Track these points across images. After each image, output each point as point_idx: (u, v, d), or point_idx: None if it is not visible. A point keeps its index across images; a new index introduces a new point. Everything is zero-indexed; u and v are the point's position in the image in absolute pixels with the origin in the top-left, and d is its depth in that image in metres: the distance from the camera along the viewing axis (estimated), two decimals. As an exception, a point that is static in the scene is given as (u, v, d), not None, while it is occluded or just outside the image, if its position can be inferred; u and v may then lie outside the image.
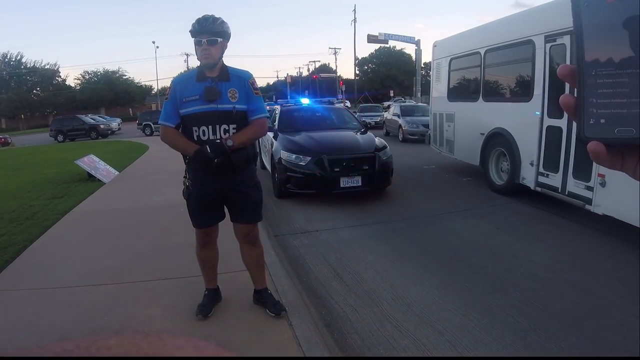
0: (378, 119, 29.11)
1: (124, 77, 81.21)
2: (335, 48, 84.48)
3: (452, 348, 3.72)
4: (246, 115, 3.75)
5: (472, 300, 4.52)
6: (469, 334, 3.90)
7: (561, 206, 7.76)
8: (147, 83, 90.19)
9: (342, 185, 8.58)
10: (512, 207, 8.37)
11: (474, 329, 3.99)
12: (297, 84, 79.79)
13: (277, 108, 12.43)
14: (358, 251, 6.06)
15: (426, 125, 16.42)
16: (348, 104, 43.97)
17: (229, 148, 3.63)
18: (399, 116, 21.79)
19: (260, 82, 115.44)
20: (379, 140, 9.73)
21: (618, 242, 6.10)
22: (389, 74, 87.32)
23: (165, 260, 5.28)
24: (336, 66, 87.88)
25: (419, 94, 36.81)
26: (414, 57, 41.26)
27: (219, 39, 3.69)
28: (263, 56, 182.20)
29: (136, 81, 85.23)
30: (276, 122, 11.10)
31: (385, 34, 37.41)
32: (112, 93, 74.21)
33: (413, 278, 5.08)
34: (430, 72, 12.73)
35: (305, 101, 13.29)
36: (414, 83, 38.19)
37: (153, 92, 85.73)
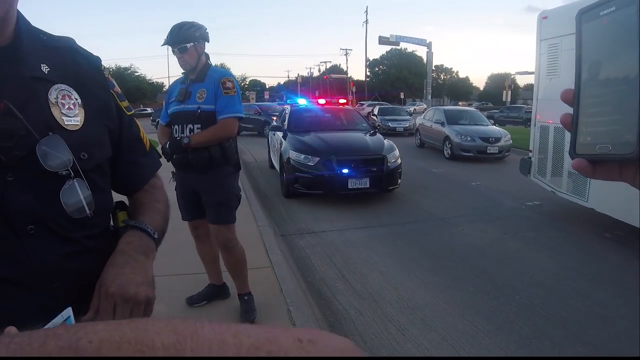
0: (407, 124, 25.24)
1: (135, 73, 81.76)
2: (346, 49, 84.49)
3: (455, 353, 3.71)
4: (214, 115, 3.72)
5: (477, 306, 4.51)
6: (472, 340, 3.89)
7: (571, 213, 7.73)
8: (159, 80, 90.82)
9: (350, 187, 8.57)
10: (521, 213, 8.33)
11: (478, 334, 3.98)
12: (308, 84, 79.94)
13: (287, 108, 12.46)
14: (364, 253, 6.05)
15: (485, 139, 14.78)
16: (423, 105, 41.46)
17: (185, 145, 3.65)
18: (442, 124, 16.49)
19: (271, 82, 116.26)
20: (387, 142, 9.74)
21: (627, 251, 6.06)
22: (400, 76, 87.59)
23: (172, 256, 5.30)
24: (347, 67, 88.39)
25: (429, 97, 36.70)
26: (424, 59, 41.15)
27: (189, 44, 3.70)
28: (274, 56, 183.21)
29: (147, 78, 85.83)
30: (285, 121, 11.13)
31: (396, 35, 37.31)
32: (124, 89, 71.14)
33: (418, 281, 5.07)
34: (536, 60, 8.36)
35: (320, 101, 13.29)
36: (425, 85, 38.09)
37: (164, 89, 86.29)
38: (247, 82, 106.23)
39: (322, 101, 13.16)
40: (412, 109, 35.16)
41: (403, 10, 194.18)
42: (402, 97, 69.75)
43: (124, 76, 78.09)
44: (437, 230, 7.15)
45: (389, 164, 8.93)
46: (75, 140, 1.10)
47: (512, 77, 51.20)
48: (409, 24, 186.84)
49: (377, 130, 10.89)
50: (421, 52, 61.08)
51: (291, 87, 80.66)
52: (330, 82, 72.89)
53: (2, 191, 1.01)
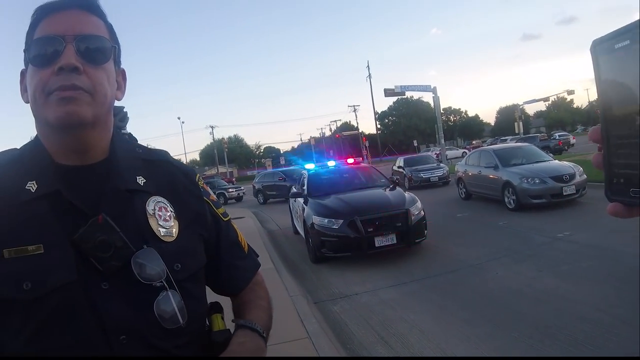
0: (442, 173, 22.66)
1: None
2: (354, 105, 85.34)
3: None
4: None
5: (522, 351, 4.40)
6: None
7: (603, 240, 7.59)
8: (176, 157, 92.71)
9: (377, 245, 8.51)
10: (553, 246, 8.22)
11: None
12: (322, 145, 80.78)
13: (304, 173, 12.59)
14: (400, 312, 5.97)
15: (558, 178, 11.90)
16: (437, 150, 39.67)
17: None
18: (496, 168, 13.65)
19: (285, 147, 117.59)
20: (409, 195, 9.74)
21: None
22: (410, 124, 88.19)
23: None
24: (357, 123, 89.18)
25: (442, 140, 36.80)
26: (432, 105, 41.47)
27: None
28: (285, 121, 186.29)
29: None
30: (305, 186, 11.22)
31: (401, 85, 37.83)
32: None
33: (459, 335, 4.97)
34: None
35: (331, 163, 13.33)
36: (436, 130, 38.25)
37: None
38: (262, 150, 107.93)
39: (331, 163, 13.23)
40: (433, 154, 34.32)
41: (404, 59, 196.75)
42: (415, 144, 69.94)
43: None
44: (471, 278, 7.05)
45: (413, 217, 8.87)
46: (169, 251, 1.13)
47: (521, 107, 51.13)
48: (411, 72, 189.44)
49: (396, 184, 10.85)
50: (428, 97, 61.67)
51: (304, 149, 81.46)
52: (343, 139, 73.54)
53: (96, 300, 1.04)
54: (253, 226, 14.83)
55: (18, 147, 1.21)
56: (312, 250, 9.26)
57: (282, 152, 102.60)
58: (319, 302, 6.81)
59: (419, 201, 9.51)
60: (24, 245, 1.02)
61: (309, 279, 8.24)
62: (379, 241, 8.53)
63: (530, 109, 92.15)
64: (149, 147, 1.34)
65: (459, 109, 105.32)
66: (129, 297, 1.07)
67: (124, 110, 3.68)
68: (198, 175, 1.37)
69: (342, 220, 8.80)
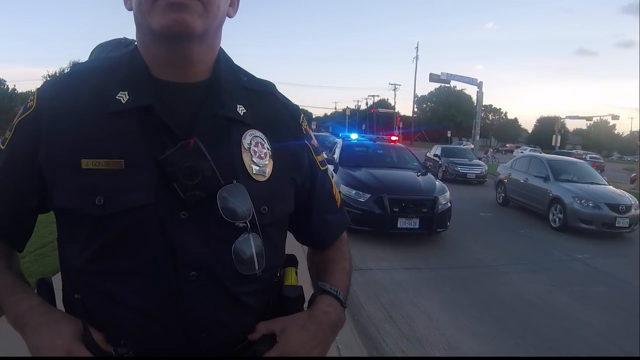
0: (480, 171, 21.04)
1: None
2: (395, 84, 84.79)
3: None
4: None
5: (525, 360, 4.50)
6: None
7: (620, 270, 7.58)
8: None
9: (399, 226, 8.60)
10: (570, 265, 8.26)
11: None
12: (355, 117, 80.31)
13: (339, 141, 12.63)
14: (411, 295, 6.10)
15: (614, 207, 10.75)
16: (471, 145, 37.61)
17: None
18: (546, 179, 12.39)
19: (318, 112, 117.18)
20: (439, 184, 9.77)
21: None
22: (447, 114, 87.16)
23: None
24: (395, 102, 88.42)
25: (477, 137, 36.31)
26: (474, 99, 40.89)
27: None
28: (323, 87, 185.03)
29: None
30: (336, 155, 11.28)
31: (447, 73, 37.23)
32: None
33: (466, 330, 5.08)
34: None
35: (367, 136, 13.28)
36: (474, 125, 37.67)
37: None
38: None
39: (394, 138, 13.19)
40: (483, 153, 33.07)
41: (454, 48, 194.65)
42: (449, 135, 69.23)
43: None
44: (485, 278, 7.14)
45: (440, 206, 8.92)
46: (259, 192, 1.04)
47: (562, 120, 50.09)
48: (459, 62, 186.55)
49: (428, 170, 10.86)
50: (470, 91, 60.66)
51: (338, 119, 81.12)
52: (377, 116, 73.07)
53: (172, 228, 0.97)
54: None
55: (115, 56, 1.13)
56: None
57: (314, 116, 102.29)
58: (333, 270, 6.93)
59: (448, 192, 9.55)
60: (104, 158, 0.97)
61: (327, 246, 8.36)
62: (402, 222, 8.61)
63: (571, 125, 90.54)
64: (254, 76, 1.22)
65: (500, 109, 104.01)
66: (207, 233, 1.00)
67: (135, 44, 3.59)
68: (302, 115, 1.26)
69: (369, 195, 8.88)
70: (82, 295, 1.03)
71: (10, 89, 73.76)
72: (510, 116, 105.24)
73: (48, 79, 1.15)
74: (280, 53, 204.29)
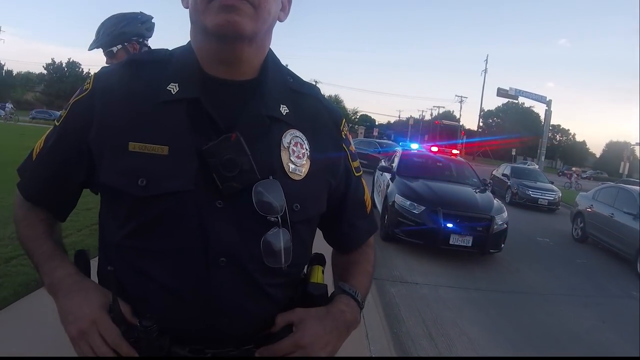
0: (553, 198, 18.82)
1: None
2: (461, 96, 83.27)
3: None
4: None
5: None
6: None
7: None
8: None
9: (451, 242, 8.40)
10: (625, 303, 7.84)
11: None
12: (418, 127, 79.53)
13: (398, 150, 12.52)
14: (455, 314, 5.97)
15: None
16: (535, 165, 36.30)
17: None
18: (636, 217, 10.32)
19: (381, 119, 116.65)
20: (497, 203, 9.52)
21: None
22: (513, 131, 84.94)
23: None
24: (460, 115, 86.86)
25: (542, 158, 35.16)
26: (541, 117, 39.67)
27: (115, 48, 2.95)
28: (387, 94, 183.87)
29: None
30: (395, 164, 11.18)
31: (515, 89, 36.49)
32: None
33: (505, 355, 4.91)
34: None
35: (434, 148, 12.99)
36: (539, 145, 36.54)
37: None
38: (358, 117, 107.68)
39: (434, 149, 12.97)
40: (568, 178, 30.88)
41: (525, 63, 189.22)
42: (513, 153, 67.49)
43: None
44: (533, 305, 6.88)
45: (495, 226, 8.68)
46: (293, 190, 1.10)
47: (632, 147, 47.78)
48: (529, 78, 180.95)
49: (487, 187, 10.59)
50: (539, 108, 58.78)
51: (400, 128, 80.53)
52: (441, 127, 72.12)
53: (207, 215, 1.03)
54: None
55: (169, 49, 1.20)
56: (386, 227, 9.24)
57: (376, 123, 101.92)
58: (378, 279, 6.86)
59: (505, 212, 9.29)
60: (150, 143, 1.04)
61: (374, 254, 8.28)
62: (454, 239, 8.42)
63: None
64: (300, 78, 1.27)
65: (568, 129, 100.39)
66: (240, 223, 1.06)
67: (152, 20, 3.14)
68: (344, 120, 1.31)
69: (424, 207, 8.75)
70: (115, 267, 1.08)
71: (84, 72, 77.28)
72: (579, 138, 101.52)
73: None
74: (346, 57, 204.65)
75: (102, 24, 3.03)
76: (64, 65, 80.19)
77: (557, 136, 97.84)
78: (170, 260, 1.05)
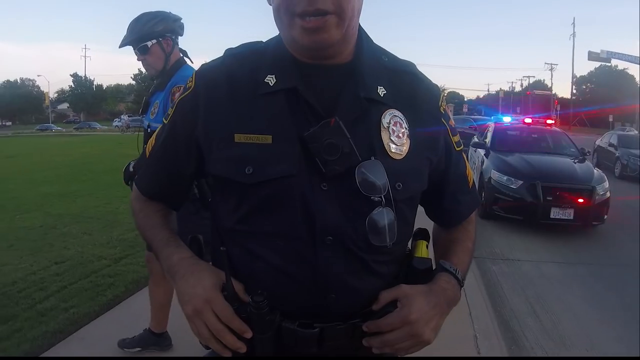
0: None
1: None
2: (551, 64, 79.44)
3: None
4: None
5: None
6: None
7: None
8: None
9: (552, 216, 8.31)
10: None
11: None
12: (509, 99, 76.53)
13: (491, 125, 12.34)
14: (559, 290, 5.99)
15: None
16: (635, 130, 32.56)
17: (132, 173, 3.14)
18: None
19: (470, 95, 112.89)
20: (597, 172, 9.26)
21: None
22: (609, 96, 79.69)
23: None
24: (551, 83, 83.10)
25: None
26: (637, 79, 36.93)
27: (150, 42, 3.10)
28: (474, 68, 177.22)
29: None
30: (488, 139, 11.07)
31: (607, 51, 34.20)
32: None
33: (613, 333, 4.91)
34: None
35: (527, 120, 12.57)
36: (639, 109, 34.04)
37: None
38: (446, 94, 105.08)
39: (528, 120, 12.61)
40: None
41: (614, 23, 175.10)
42: (610, 119, 63.31)
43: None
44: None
45: (597, 197, 8.49)
46: (395, 169, 1.12)
47: None
48: (620, 39, 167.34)
49: (586, 156, 10.22)
50: (633, 70, 54.58)
51: (490, 102, 77.86)
52: (533, 98, 69.12)
53: (313, 197, 1.08)
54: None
55: (263, 40, 1.24)
56: (484, 204, 9.17)
57: (465, 99, 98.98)
58: (478, 258, 6.94)
59: (607, 181, 9.01)
60: (255, 133, 1.10)
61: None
62: (555, 213, 8.32)
63: None
64: (395, 55, 1.28)
65: None
66: (345, 204, 1.09)
67: (181, 21, 3.22)
68: (443, 94, 1.32)
69: (522, 182, 8.69)
70: (227, 249, 1.13)
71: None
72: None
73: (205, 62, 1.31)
74: (430, 35, 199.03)
75: (135, 20, 3.11)
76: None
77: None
78: (279, 242, 1.10)
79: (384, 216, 1.11)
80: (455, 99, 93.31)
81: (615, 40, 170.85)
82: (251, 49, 1.22)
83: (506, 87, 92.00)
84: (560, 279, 6.42)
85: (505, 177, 8.94)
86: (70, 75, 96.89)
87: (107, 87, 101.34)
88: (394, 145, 1.13)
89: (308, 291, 1.11)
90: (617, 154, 17.84)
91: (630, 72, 75.47)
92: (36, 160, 20.04)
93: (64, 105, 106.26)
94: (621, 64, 60.12)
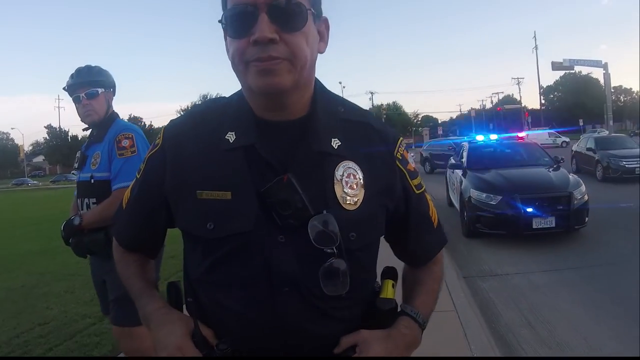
0: None
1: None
2: (517, 78, 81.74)
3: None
4: (110, 185, 3.00)
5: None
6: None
7: None
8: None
9: (534, 226, 8.40)
10: None
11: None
12: (481, 117, 78.15)
13: (465, 145, 12.52)
14: (551, 298, 5.99)
15: None
16: (605, 131, 33.27)
17: (77, 227, 2.99)
18: None
19: (444, 117, 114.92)
20: (573, 178, 9.40)
21: None
22: (577, 102, 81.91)
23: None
24: (520, 97, 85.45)
25: (610, 122, 33.54)
26: (602, 82, 38.03)
27: (100, 90, 3.13)
28: (445, 91, 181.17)
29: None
30: (464, 159, 11.22)
31: (569, 59, 35.11)
32: None
33: (610, 332, 4.91)
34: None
35: (493, 137, 13.04)
36: (605, 110, 34.94)
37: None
38: (420, 119, 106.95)
39: (494, 136, 12.93)
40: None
41: (573, 31, 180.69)
42: (581, 124, 64.79)
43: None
44: (630, 274, 6.72)
45: (575, 202, 8.61)
46: (348, 219, 1.15)
47: None
48: (581, 45, 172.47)
49: (560, 164, 10.39)
50: (597, 74, 56.16)
51: (463, 122, 79.46)
52: (504, 113, 70.93)
53: (271, 249, 1.13)
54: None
55: (226, 96, 1.29)
56: (466, 224, 9.35)
57: (439, 122, 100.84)
58: (468, 277, 6.98)
59: (583, 185, 9.15)
60: (216, 190, 1.14)
61: (460, 252, 8.39)
62: (537, 222, 8.41)
63: None
64: (354, 105, 1.33)
65: (630, 88, 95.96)
66: (301, 255, 1.13)
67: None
68: (400, 140, 1.33)
69: (500, 197, 8.79)
70: (195, 299, 1.24)
71: (147, 125, 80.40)
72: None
73: (181, 113, 1.37)
74: (398, 62, 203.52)
75: (86, 67, 3.20)
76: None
77: (621, 97, 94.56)
78: (240, 292, 1.16)
79: (337, 267, 1.13)
80: (430, 122, 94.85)
81: (576, 47, 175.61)
82: (215, 105, 1.28)
83: (477, 106, 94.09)
84: (550, 287, 6.42)
85: (484, 195, 9.02)
86: (45, 127, 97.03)
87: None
88: (347, 197, 1.16)
89: (270, 336, 1.16)
90: (596, 157, 17.54)
91: (594, 75, 77.65)
92: (15, 217, 20.01)
93: (40, 158, 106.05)
94: (585, 69, 61.71)
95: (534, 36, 74.82)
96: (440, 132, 62.39)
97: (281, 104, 1.15)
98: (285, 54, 1.07)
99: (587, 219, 8.87)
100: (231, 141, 1.17)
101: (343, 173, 1.17)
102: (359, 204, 1.17)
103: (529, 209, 8.46)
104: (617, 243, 8.43)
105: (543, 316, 5.43)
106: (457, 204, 10.67)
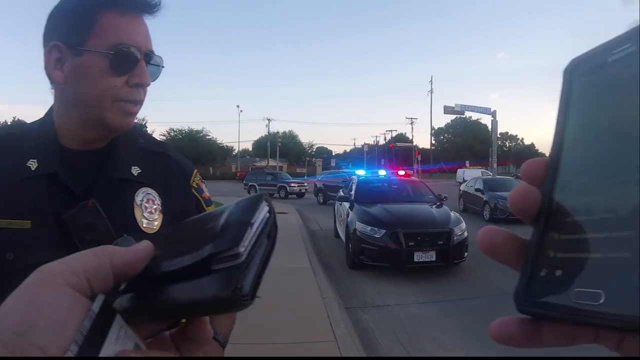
0: None
1: (207, 137, 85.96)
2: (411, 118, 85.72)
3: None
4: None
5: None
6: None
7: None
8: (229, 144, 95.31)
9: (416, 260, 8.57)
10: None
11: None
12: (374, 152, 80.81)
13: (354, 178, 12.70)
14: (429, 329, 6.04)
15: None
16: (489, 173, 35.79)
17: None
18: None
19: (338, 149, 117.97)
20: (454, 215, 9.74)
21: None
22: (465, 144, 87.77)
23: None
24: (412, 136, 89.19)
25: (495, 165, 36.05)
26: (489, 127, 40.87)
27: None
28: (341, 124, 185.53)
29: (218, 141, 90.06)
30: (352, 192, 11.34)
31: (461, 105, 37.31)
32: (195, 151, 76.07)
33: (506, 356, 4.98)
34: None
35: (381, 172, 13.43)
36: (490, 153, 37.51)
37: (234, 153, 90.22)
38: (314, 149, 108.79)
39: (382, 173, 13.34)
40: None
41: (468, 79, 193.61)
42: (467, 165, 69.22)
43: (196, 139, 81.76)
44: (503, 305, 6.98)
45: (455, 237, 8.89)
46: None
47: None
48: (474, 93, 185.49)
49: (443, 201, 10.80)
50: (486, 120, 60.60)
51: (356, 155, 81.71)
52: (396, 150, 73.58)
53: None
54: (295, 223, 15.08)
55: (27, 122, 1.28)
56: (351, 255, 9.38)
57: (333, 154, 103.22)
58: (350, 308, 6.92)
59: (463, 222, 9.51)
60: (14, 218, 1.10)
61: (343, 283, 8.36)
62: (418, 256, 8.58)
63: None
64: (153, 137, 1.40)
65: (516, 135, 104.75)
66: None
67: None
68: (195, 171, 1.42)
69: (384, 230, 8.91)
70: None
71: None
72: (527, 141, 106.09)
73: None
74: (295, 93, 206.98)
75: None
76: (8, 123, 79.04)
77: (507, 142, 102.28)
78: None
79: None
80: (324, 154, 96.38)
81: (469, 93, 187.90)
82: (14, 131, 1.26)
83: (371, 141, 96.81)
84: (428, 318, 6.49)
85: (369, 228, 9.11)
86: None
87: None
88: (146, 221, 1.20)
89: None
90: (484, 198, 17.76)
91: (482, 121, 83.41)
92: None
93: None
94: (475, 115, 66.07)
95: (431, 80, 79.48)
96: (333, 164, 63.60)
97: (103, 139, 1.21)
98: (142, 100, 1.17)
99: (466, 254, 9.17)
100: (33, 169, 1.14)
101: (143, 198, 1.21)
102: (157, 227, 1.22)
103: (411, 243, 8.64)
104: (493, 276, 8.75)
105: (421, 346, 5.46)
106: (343, 236, 10.71)
